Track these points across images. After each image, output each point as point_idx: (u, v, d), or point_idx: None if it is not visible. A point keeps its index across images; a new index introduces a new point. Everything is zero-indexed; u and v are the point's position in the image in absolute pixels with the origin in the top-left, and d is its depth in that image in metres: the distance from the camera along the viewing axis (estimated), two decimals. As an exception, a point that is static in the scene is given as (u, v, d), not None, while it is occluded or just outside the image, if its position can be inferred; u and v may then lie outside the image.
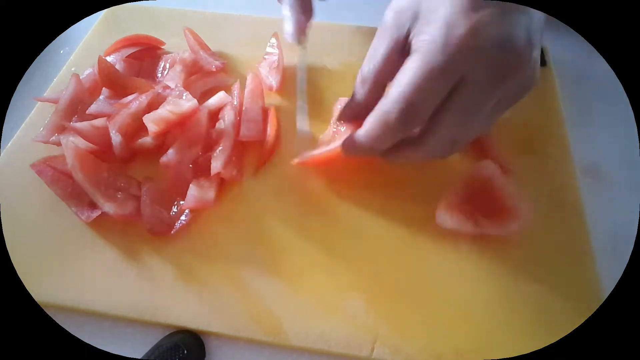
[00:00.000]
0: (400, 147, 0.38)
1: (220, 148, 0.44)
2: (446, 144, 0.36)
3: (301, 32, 0.47)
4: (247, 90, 0.50)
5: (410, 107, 0.33)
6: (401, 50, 0.35)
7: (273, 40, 0.55)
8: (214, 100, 0.48)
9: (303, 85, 0.49)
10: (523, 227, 0.40)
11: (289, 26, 0.47)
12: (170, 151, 0.43)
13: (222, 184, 0.45)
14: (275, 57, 0.53)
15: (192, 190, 0.42)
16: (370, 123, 0.36)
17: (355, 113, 0.40)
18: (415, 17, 0.34)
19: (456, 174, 0.44)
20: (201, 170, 0.44)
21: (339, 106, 0.46)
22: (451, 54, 0.31)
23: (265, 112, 0.49)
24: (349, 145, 0.39)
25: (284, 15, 0.47)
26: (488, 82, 0.32)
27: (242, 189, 0.45)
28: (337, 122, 0.44)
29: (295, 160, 0.45)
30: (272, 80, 0.52)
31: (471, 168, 0.43)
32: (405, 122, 0.34)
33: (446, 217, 0.41)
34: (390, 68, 0.36)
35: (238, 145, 0.46)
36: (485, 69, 0.32)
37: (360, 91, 0.39)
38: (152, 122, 0.43)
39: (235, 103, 0.49)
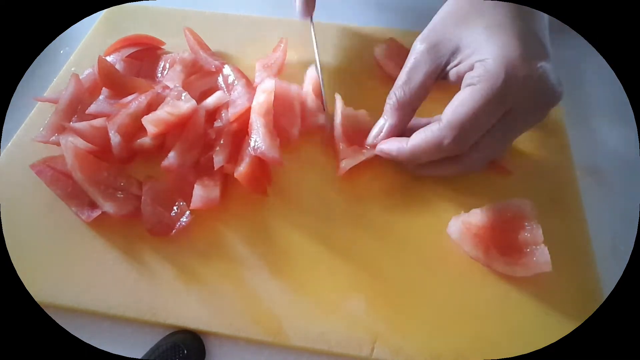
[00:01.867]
0: (437, 163, 0.42)
1: (221, 142, 0.44)
2: (483, 160, 0.41)
3: (309, 7, 0.51)
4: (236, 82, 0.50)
5: (465, 133, 0.37)
6: (436, 78, 0.41)
7: (282, 45, 0.55)
8: (211, 100, 0.48)
9: (317, 60, 0.52)
10: (537, 275, 0.38)
11: (298, 3, 0.52)
12: (171, 154, 0.43)
13: (226, 182, 0.45)
14: (274, 59, 0.53)
15: (198, 190, 0.42)
16: (421, 141, 0.40)
17: (388, 135, 0.43)
18: (455, 51, 0.39)
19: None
20: (203, 170, 0.44)
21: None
22: (511, 89, 0.36)
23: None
24: (387, 153, 0.43)
25: None
26: (531, 111, 0.38)
27: (242, 189, 0.45)
28: (368, 145, 0.45)
29: (340, 172, 0.44)
30: (258, 77, 0.51)
31: (507, 201, 0.41)
32: (457, 146, 0.38)
33: (457, 232, 0.40)
34: (424, 94, 0.41)
35: (239, 143, 0.46)
36: (532, 102, 0.37)
37: (396, 114, 0.43)
38: (151, 123, 0.43)
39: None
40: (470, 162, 0.41)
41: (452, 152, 0.39)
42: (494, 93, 0.36)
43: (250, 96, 0.47)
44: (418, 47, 0.41)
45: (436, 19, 0.41)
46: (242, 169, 0.42)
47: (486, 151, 0.40)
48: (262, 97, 0.46)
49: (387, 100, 0.43)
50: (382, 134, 0.44)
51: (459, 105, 0.37)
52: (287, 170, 0.46)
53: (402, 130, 0.43)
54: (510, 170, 0.46)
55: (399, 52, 0.52)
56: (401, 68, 0.51)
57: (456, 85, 0.40)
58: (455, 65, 0.39)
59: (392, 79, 0.46)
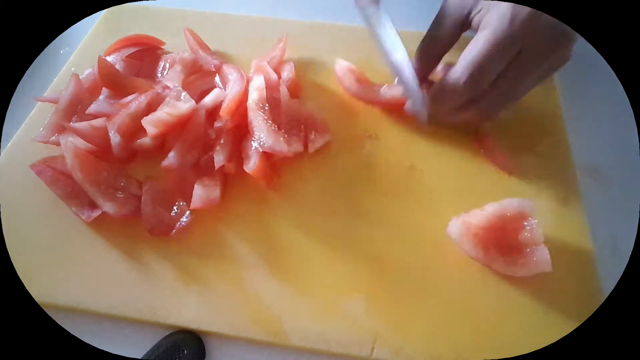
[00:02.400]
0: (459, 108, 0.45)
1: (221, 142, 0.44)
2: (498, 102, 0.44)
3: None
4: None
5: (479, 72, 0.41)
6: (461, 26, 0.44)
7: (282, 44, 0.54)
8: (209, 99, 0.47)
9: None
10: (537, 275, 0.38)
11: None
12: (171, 154, 0.43)
13: (226, 182, 0.45)
14: (270, 57, 0.53)
15: (198, 190, 0.42)
16: (441, 85, 0.43)
17: (419, 75, 0.47)
18: (476, 1, 0.43)
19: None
20: (203, 170, 0.44)
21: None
22: (516, 28, 0.39)
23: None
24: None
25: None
26: (541, 53, 0.41)
27: (242, 189, 0.45)
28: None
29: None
30: (252, 75, 0.51)
31: (507, 201, 0.40)
32: (473, 84, 0.41)
33: (457, 232, 0.40)
34: (452, 41, 0.45)
35: (239, 142, 0.46)
36: (541, 42, 0.40)
37: (421, 59, 0.46)
38: (150, 124, 0.43)
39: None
40: (488, 104, 0.43)
41: (469, 92, 0.42)
42: (503, 30, 0.39)
43: (242, 84, 0.47)
44: (446, 1, 0.44)
45: None
46: (253, 165, 0.42)
47: (502, 92, 0.43)
48: (256, 94, 0.46)
49: (417, 48, 0.46)
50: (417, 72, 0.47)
51: (473, 45, 0.41)
52: (287, 170, 0.46)
53: (426, 75, 0.47)
54: (511, 170, 0.46)
55: None
56: None
57: None
58: (478, 12, 0.42)
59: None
